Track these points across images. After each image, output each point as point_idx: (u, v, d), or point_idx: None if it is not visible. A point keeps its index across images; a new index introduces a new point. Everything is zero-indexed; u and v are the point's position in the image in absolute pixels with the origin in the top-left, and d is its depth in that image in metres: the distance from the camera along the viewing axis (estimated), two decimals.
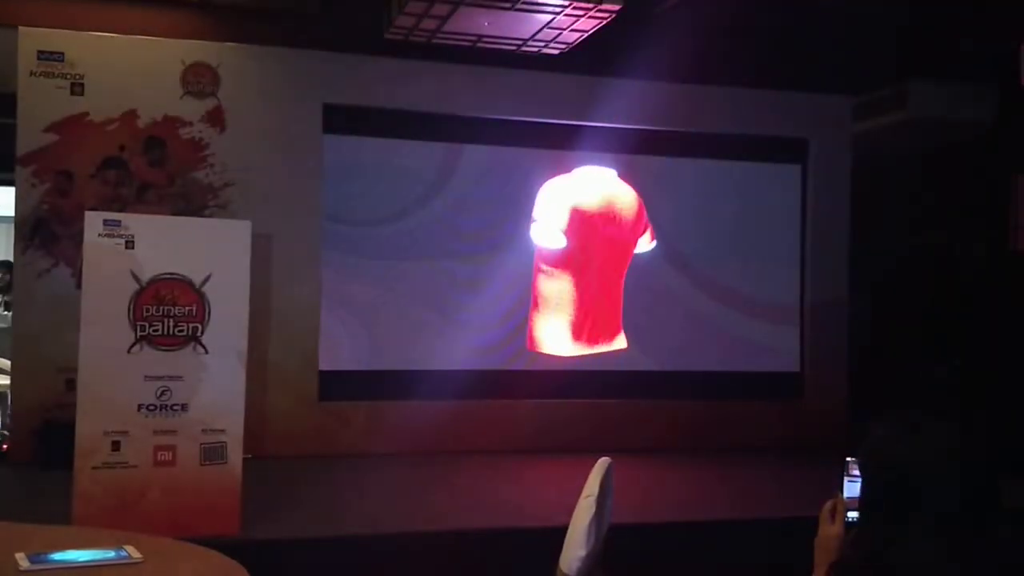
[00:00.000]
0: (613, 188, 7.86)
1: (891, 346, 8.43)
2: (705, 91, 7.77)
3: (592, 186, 7.82)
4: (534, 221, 7.67)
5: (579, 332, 7.77)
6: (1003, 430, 6.71)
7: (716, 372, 8.00)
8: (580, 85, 7.47)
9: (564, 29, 6.15)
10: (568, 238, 7.71)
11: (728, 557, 5.02)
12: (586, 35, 6.23)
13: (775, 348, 8.17)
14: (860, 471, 1.78)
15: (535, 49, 6.57)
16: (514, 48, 6.59)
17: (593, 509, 2.89)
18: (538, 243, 7.68)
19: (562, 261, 7.73)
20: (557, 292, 7.73)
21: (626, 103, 7.56)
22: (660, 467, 6.88)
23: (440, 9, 5.84)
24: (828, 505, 1.91)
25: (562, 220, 7.71)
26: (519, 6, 5.75)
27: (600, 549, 2.94)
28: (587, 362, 7.76)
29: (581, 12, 5.82)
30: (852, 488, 1.83)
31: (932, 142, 8.39)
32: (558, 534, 3.05)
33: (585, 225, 7.77)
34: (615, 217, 7.85)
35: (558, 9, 5.80)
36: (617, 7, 5.79)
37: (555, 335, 7.72)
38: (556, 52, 6.61)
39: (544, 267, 7.71)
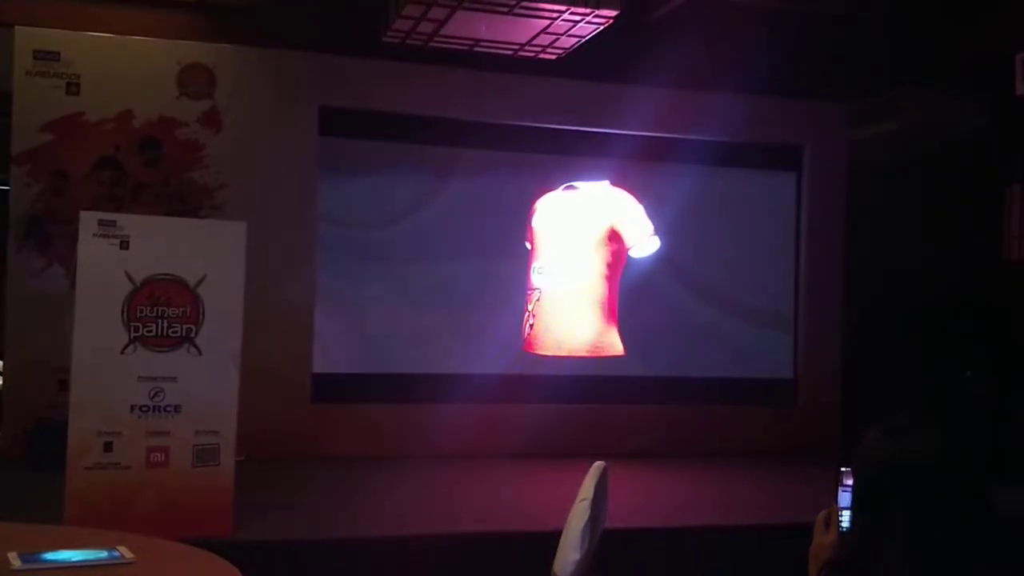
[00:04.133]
0: None
1: (884, 354, 8.44)
2: (700, 98, 7.78)
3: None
4: (633, 246, 7.84)
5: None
6: (997, 438, 6.73)
7: (710, 378, 8.00)
8: (576, 90, 7.49)
9: (561, 34, 6.16)
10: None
11: (721, 563, 5.02)
12: (583, 40, 6.24)
13: (769, 354, 8.18)
14: (851, 473, 1.80)
15: (532, 54, 6.58)
16: (511, 52, 6.60)
17: (588, 513, 2.91)
18: (647, 254, 7.84)
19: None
20: (615, 296, 7.90)
21: (622, 109, 7.57)
22: (654, 472, 6.88)
23: (438, 13, 5.85)
24: (823, 514, 1.92)
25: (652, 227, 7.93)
26: (516, 10, 5.76)
27: (594, 552, 2.95)
28: (582, 367, 7.76)
29: (578, 17, 5.83)
30: (846, 498, 1.84)
31: (926, 150, 8.41)
32: (553, 537, 3.06)
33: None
34: None
35: (555, 14, 5.81)
36: (614, 13, 5.80)
37: (617, 338, 7.90)
38: (553, 57, 6.62)
39: (611, 274, 7.86)
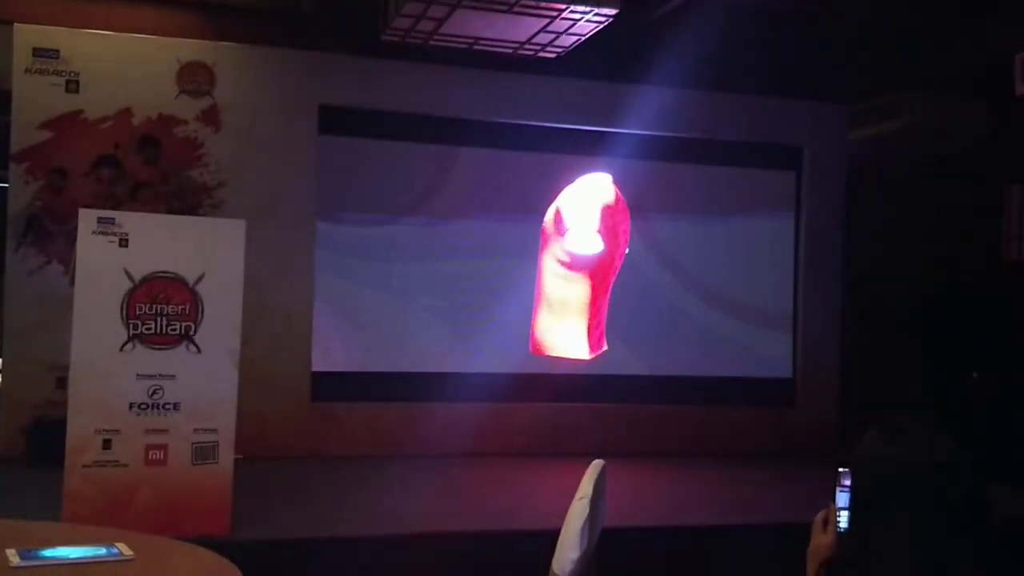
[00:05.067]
0: (615, 195, 7.90)
1: (884, 354, 8.44)
2: (701, 97, 7.78)
3: (608, 192, 7.84)
4: (567, 231, 7.66)
5: (591, 336, 7.77)
6: (998, 438, 6.72)
7: (709, 377, 8.00)
8: (576, 89, 7.48)
9: (561, 33, 6.15)
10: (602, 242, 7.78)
11: (719, 563, 5.03)
12: (583, 39, 6.24)
13: (768, 354, 8.18)
14: (850, 473, 1.80)
15: (532, 52, 6.57)
16: (511, 51, 6.59)
17: (587, 511, 2.90)
18: (577, 251, 7.68)
19: (587, 265, 7.74)
20: (576, 296, 7.74)
21: (622, 108, 7.57)
22: (652, 471, 6.88)
23: (437, 11, 5.84)
24: (821, 515, 1.92)
25: (597, 225, 7.73)
26: (516, 9, 5.75)
27: (593, 551, 2.95)
28: (580, 366, 7.76)
29: (578, 16, 5.83)
30: (844, 498, 1.84)
31: (926, 151, 8.42)
32: (552, 536, 3.06)
33: (610, 230, 7.82)
34: (622, 223, 7.90)
35: (555, 12, 5.80)
36: (614, 11, 5.79)
37: (573, 339, 7.72)
38: (553, 56, 6.61)
39: (566, 272, 7.70)
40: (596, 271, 7.78)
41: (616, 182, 7.87)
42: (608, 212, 7.81)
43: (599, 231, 7.74)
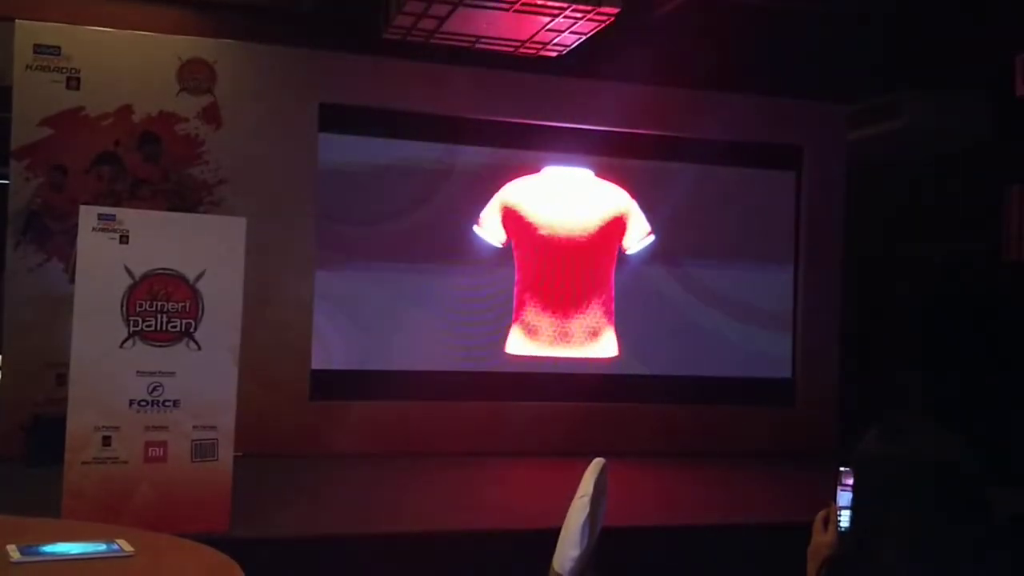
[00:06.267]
0: (572, 189, 7.79)
1: (884, 354, 8.44)
2: (701, 96, 7.79)
3: (545, 187, 7.75)
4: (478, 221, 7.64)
5: (533, 332, 7.71)
6: (998, 437, 6.73)
7: (708, 377, 8.00)
8: (577, 88, 7.48)
9: (562, 31, 6.15)
10: (509, 239, 7.67)
11: (720, 562, 5.03)
12: (584, 38, 6.24)
13: (768, 354, 8.18)
14: (851, 473, 1.81)
15: (533, 51, 6.57)
16: (512, 50, 6.59)
17: (587, 509, 2.91)
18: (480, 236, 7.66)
19: (516, 261, 7.70)
20: (512, 292, 7.72)
21: (622, 107, 7.57)
22: (652, 471, 6.88)
23: (439, 9, 5.84)
24: (821, 514, 1.93)
25: (496, 220, 7.66)
26: (518, 8, 5.75)
27: (593, 549, 2.95)
28: (580, 365, 7.76)
29: (580, 15, 5.83)
30: (845, 497, 1.85)
31: (926, 151, 8.42)
32: (551, 535, 3.06)
33: (523, 226, 7.70)
34: (569, 219, 7.78)
35: (557, 11, 5.81)
36: (615, 10, 5.80)
37: (513, 335, 7.69)
38: (554, 54, 6.61)
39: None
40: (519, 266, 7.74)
41: (617, 181, 7.86)
42: (513, 217, 7.67)
43: (501, 231, 7.68)
